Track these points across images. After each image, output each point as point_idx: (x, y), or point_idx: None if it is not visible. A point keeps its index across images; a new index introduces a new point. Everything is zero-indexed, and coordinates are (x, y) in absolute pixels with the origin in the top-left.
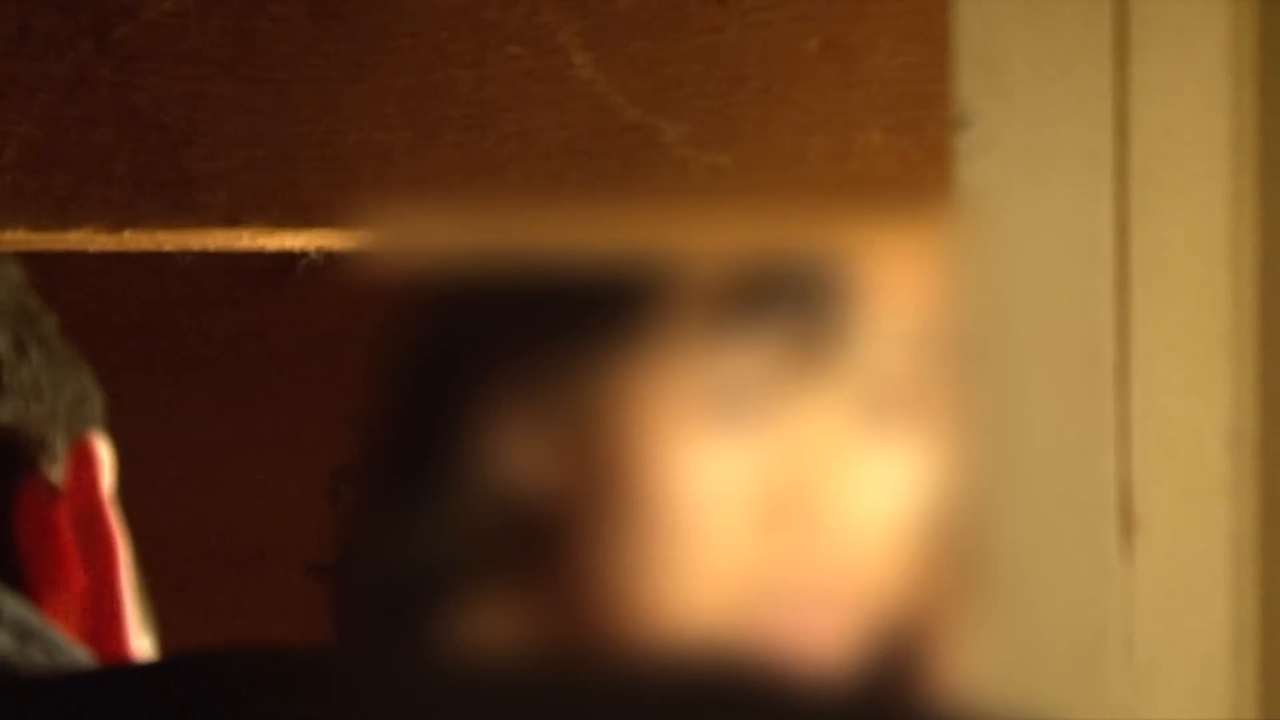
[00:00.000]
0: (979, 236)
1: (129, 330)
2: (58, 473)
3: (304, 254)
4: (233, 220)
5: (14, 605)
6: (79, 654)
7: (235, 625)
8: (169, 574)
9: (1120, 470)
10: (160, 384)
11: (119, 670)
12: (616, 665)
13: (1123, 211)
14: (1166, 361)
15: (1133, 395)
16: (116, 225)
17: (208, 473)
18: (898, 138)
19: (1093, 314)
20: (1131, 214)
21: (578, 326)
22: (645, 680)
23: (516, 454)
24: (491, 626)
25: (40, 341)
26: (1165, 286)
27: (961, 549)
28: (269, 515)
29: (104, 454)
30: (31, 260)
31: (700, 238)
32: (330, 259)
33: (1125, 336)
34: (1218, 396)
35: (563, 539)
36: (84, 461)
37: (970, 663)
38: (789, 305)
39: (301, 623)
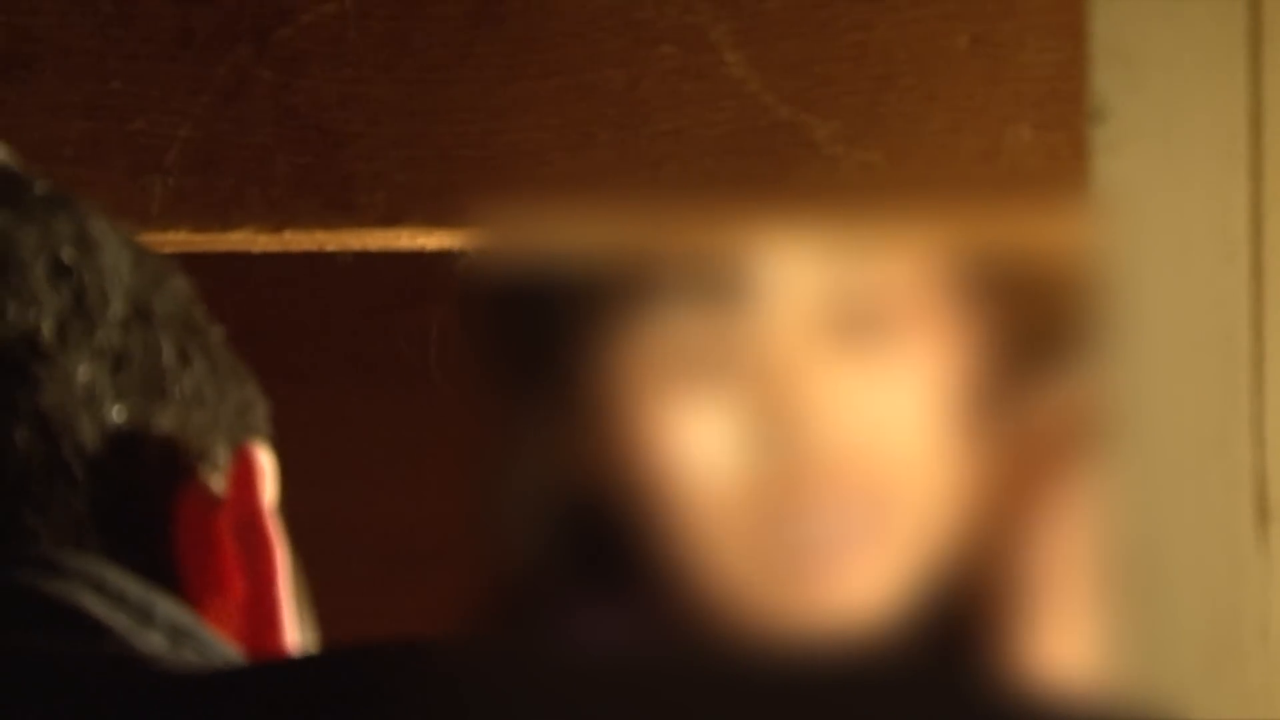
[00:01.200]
0: (1116, 231)
1: (295, 333)
2: (219, 481)
3: (462, 253)
4: (391, 220)
5: (168, 606)
6: (232, 654)
7: (396, 628)
8: (332, 576)
9: (1256, 461)
10: (325, 385)
11: (267, 665)
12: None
13: (1257, 206)
14: None
15: (1267, 388)
16: (277, 226)
17: (374, 473)
18: (1046, 134)
19: (1228, 307)
20: (1266, 209)
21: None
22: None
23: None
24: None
25: (204, 351)
26: None
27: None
28: (434, 514)
29: (266, 463)
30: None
31: (853, 233)
32: (488, 258)
33: (1260, 329)
34: None
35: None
36: (245, 470)
37: (1109, 649)
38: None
39: (461, 625)
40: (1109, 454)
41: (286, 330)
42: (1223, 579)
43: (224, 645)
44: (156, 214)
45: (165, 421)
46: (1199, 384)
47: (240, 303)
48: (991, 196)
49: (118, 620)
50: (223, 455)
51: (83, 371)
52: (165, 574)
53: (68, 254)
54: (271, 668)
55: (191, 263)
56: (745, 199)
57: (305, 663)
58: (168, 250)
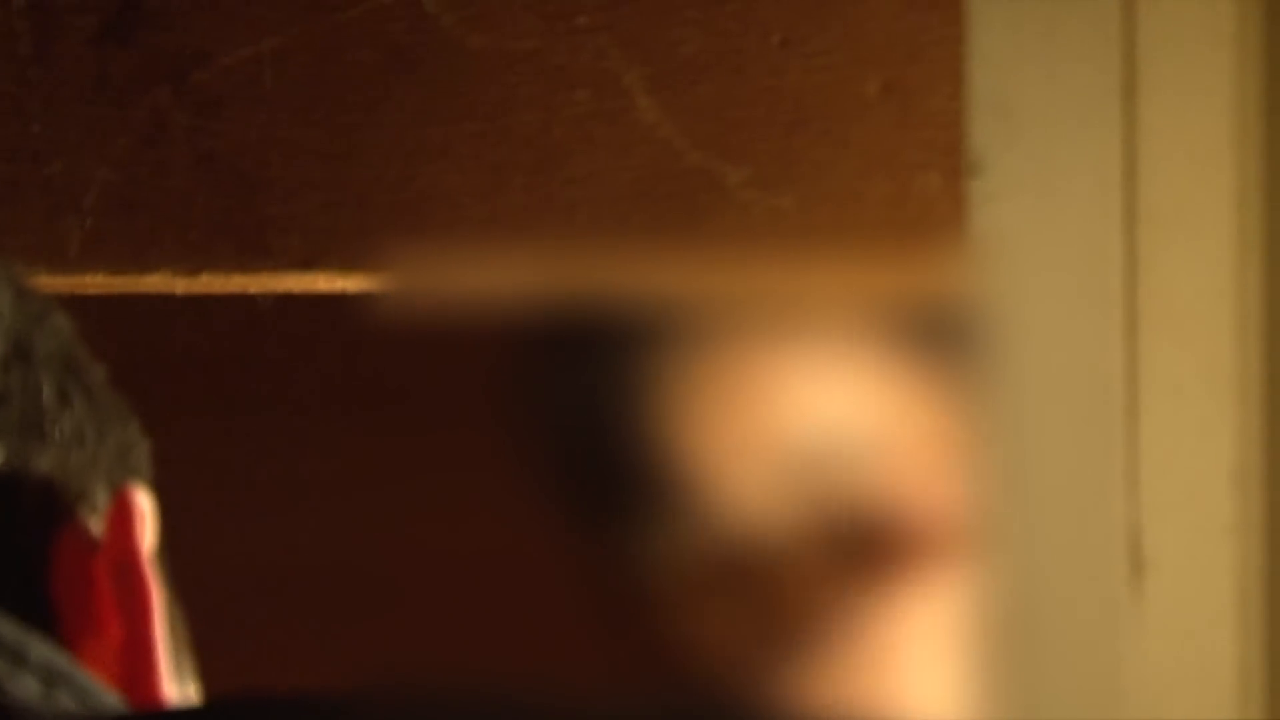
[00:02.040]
0: (992, 281)
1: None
2: (97, 523)
3: (378, 296)
4: (307, 264)
5: (42, 649)
6: (109, 699)
7: (300, 670)
8: (248, 607)
9: (1130, 512)
10: (246, 423)
11: (143, 716)
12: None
13: (1132, 258)
14: (1174, 403)
15: (1141, 438)
16: (194, 269)
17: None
18: (957, 181)
19: (1102, 358)
20: (1140, 258)
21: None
22: None
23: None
24: None
25: (85, 391)
26: (1173, 329)
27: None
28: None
29: (145, 505)
30: (111, 303)
31: (761, 279)
32: (404, 301)
33: (1134, 379)
34: (1223, 437)
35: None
36: (124, 513)
37: (985, 706)
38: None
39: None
40: (981, 502)
41: (207, 370)
42: (1098, 631)
43: (100, 690)
44: (74, 256)
45: (43, 462)
46: (1073, 434)
47: (161, 343)
48: (900, 242)
49: None
50: (102, 497)
51: None
52: (41, 616)
53: None
54: (151, 717)
55: (111, 305)
56: (658, 244)
57: (186, 714)
58: (85, 293)
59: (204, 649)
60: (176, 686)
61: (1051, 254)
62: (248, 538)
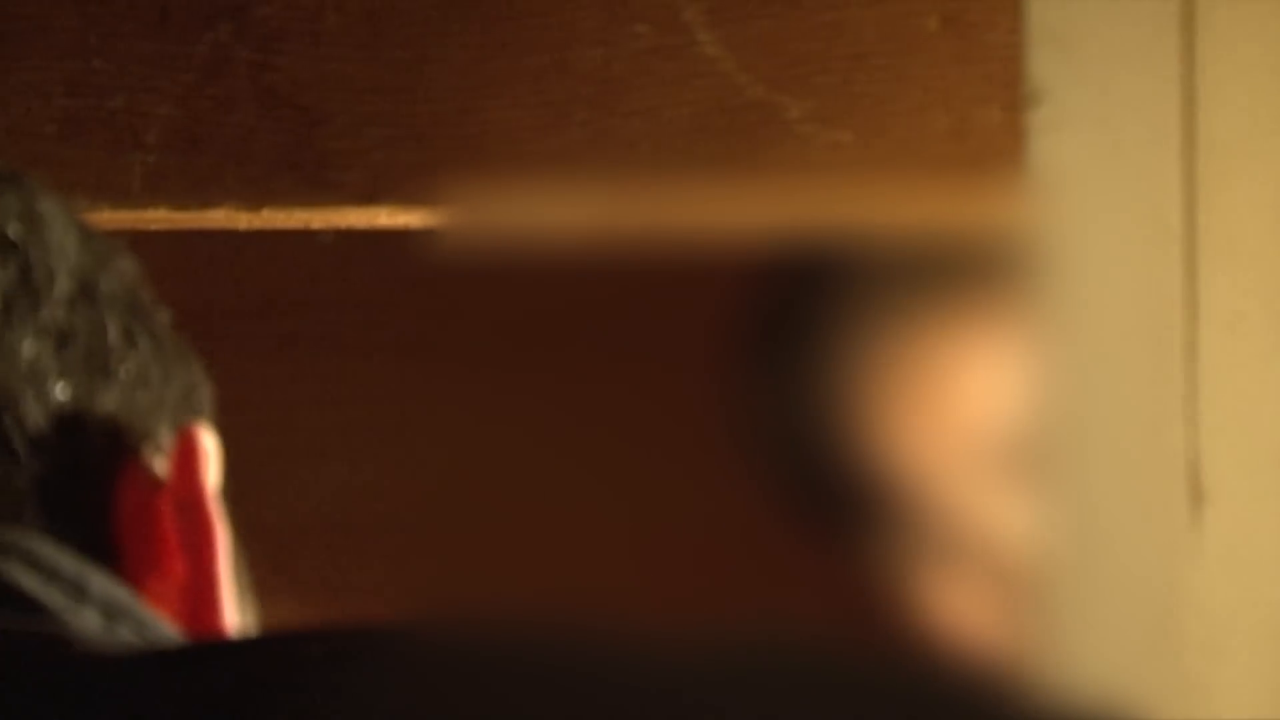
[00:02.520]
0: (1051, 213)
1: (271, 307)
2: (161, 463)
3: (438, 231)
4: (369, 198)
5: (103, 583)
6: (169, 633)
7: (352, 604)
8: (308, 549)
9: (1189, 443)
10: (305, 361)
11: (202, 646)
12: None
13: (1190, 187)
14: (1233, 335)
15: (1200, 370)
16: (255, 204)
17: (351, 447)
18: (1016, 114)
19: (1161, 289)
20: (1199, 189)
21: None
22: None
23: None
24: None
25: (150, 333)
26: (1232, 261)
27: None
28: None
29: (208, 445)
30: (179, 239)
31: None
32: (464, 236)
33: (1193, 311)
34: None
35: None
36: (188, 451)
37: (1045, 633)
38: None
39: (415, 602)
40: (1041, 435)
41: (269, 306)
42: (1158, 563)
43: (161, 624)
44: (136, 192)
45: (109, 401)
46: (1132, 366)
47: (222, 279)
48: (960, 176)
49: (51, 596)
50: (166, 437)
51: (27, 347)
52: (104, 553)
53: (14, 229)
54: (206, 648)
55: (172, 240)
56: (717, 178)
57: (243, 645)
58: (147, 228)
59: (266, 591)
60: (238, 624)
61: (1111, 185)
62: (306, 477)
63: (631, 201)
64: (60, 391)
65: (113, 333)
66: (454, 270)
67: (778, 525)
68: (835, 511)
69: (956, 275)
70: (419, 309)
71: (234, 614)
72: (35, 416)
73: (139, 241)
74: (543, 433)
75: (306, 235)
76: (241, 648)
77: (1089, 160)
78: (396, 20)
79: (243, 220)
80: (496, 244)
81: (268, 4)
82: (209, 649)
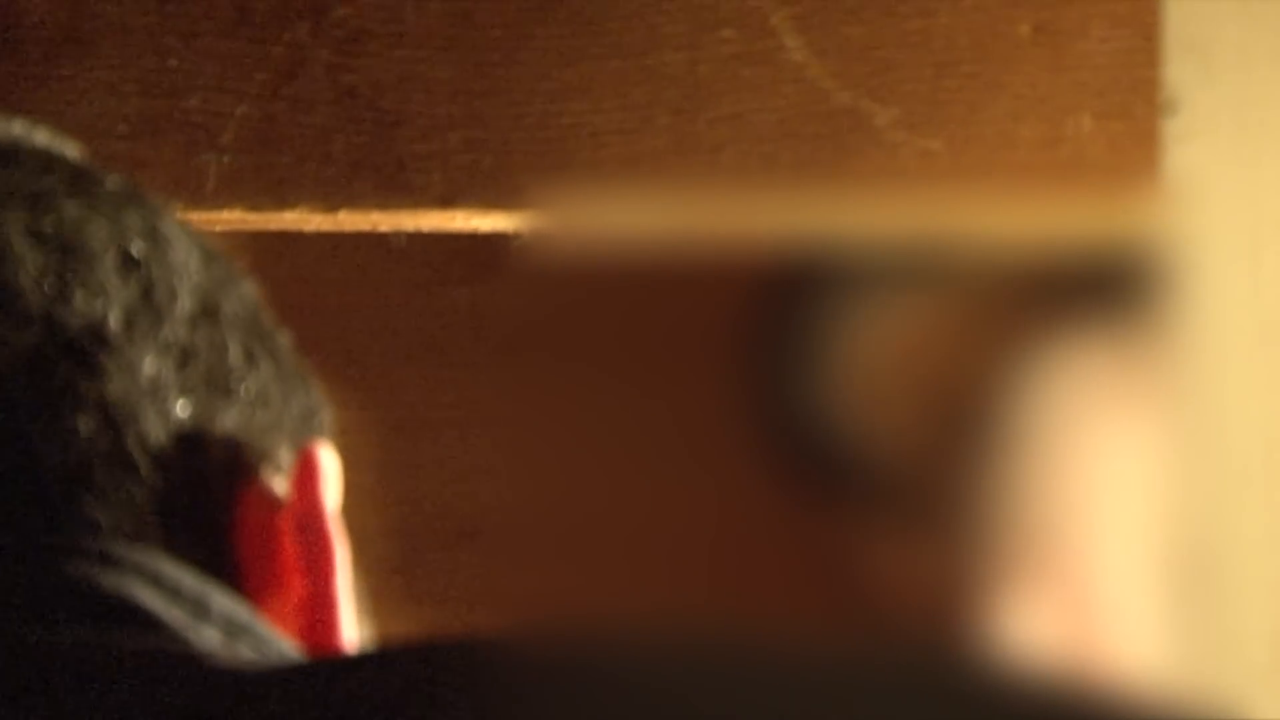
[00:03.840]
0: (1188, 222)
1: (344, 312)
2: (281, 483)
3: (516, 236)
4: (447, 201)
5: (223, 601)
6: (287, 649)
7: (444, 607)
8: (384, 553)
9: None
10: (376, 366)
11: (324, 662)
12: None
13: None
14: None
15: None
16: (332, 206)
17: (423, 453)
18: (1108, 123)
19: None
20: None
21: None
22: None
23: None
24: None
25: (271, 354)
26: None
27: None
28: (483, 494)
29: (329, 464)
30: (250, 241)
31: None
32: (543, 241)
33: None
34: None
35: None
36: (308, 470)
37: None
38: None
39: (509, 604)
40: (1177, 446)
41: (337, 310)
42: None
43: (281, 641)
44: (211, 192)
45: (229, 420)
46: (1269, 374)
47: (291, 281)
48: (1052, 186)
49: (173, 614)
50: (285, 457)
51: (149, 364)
52: (224, 571)
53: (138, 248)
54: (328, 665)
55: (244, 242)
56: (803, 185)
57: (363, 660)
58: (221, 229)
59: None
60: (356, 642)
61: (1246, 194)
62: (370, 481)
63: (715, 208)
64: (181, 409)
65: (234, 352)
66: (533, 274)
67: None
68: (916, 523)
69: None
70: (500, 313)
71: (353, 632)
72: (156, 433)
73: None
74: (628, 438)
75: (379, 238)
76: (368, 662)
77: (1225, 170)
78: (478, 22)
79: (317, 222)
80: (578, 249)
81: (347, 4)
82: (334, 664)
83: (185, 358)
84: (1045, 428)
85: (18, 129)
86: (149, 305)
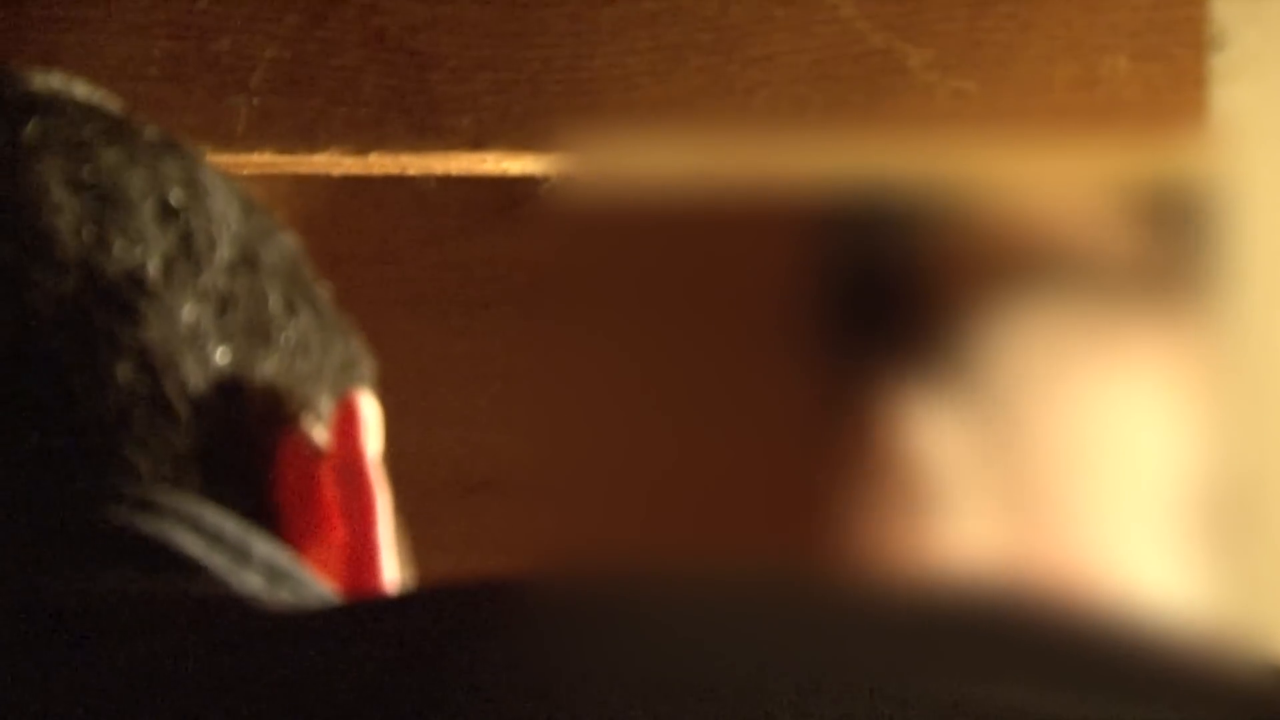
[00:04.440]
0: (1234, 159)
1: (367, 258)
2: (321, 432)
3: (547, 179)
4: (478, 144)
5: (264, 546)
6: (326, 593)
7: (464, 555)
8: (402, 503)
9: None
10: (395, 313)
11: (364, 603)
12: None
13: None
14: None
15: None
16: (363, 148)
17: (436, 403)
18: (1145, 64)
19: None
20: None
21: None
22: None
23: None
24: None
25: (310, 304)
26: None
27: (1204, 471)
28: (498, 446)
29: (370, 413)
30: (277, 183)
31: (945, 163)
32: (573, 184)
33: None
34: None
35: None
36: (348, 418)
37: (1208, 584)
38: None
39: (527, 554)
40: (1215, 387)
41: (363, 254)
42: None
43: (319, 585)
44: (241, 135)
45: (269, 368)
46: None
47: (319, 225)
48: (1088, 126)
49: (214, 560)
50: (326, 406)
51: (188, 311)
52: (265, 518)
53: (176, 196)
54: (369, 606)
55: (271, 184)
56: (838, 126)
57: (403, 601)
58: (251, 171)
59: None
60: (396, 586)
61: None
62: (420, 427)
63: (748, 149)
64: (220, 356)
65: (273, 301)
66: (567, 218)
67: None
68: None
69: (1115, 230)
70: (528, 258)
71: (395, 579)
72: (196, 380)
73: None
74: (653, 386)
75: (408, 181)
76: (409, 603)
77: (1273, 107)
78: None
79: (349, 165)
80: (610, 192)
81: None
82: (375, 605)
83: (224, 306)
84: (1060, 357)
85: (56, 81)
86: (188, 253)
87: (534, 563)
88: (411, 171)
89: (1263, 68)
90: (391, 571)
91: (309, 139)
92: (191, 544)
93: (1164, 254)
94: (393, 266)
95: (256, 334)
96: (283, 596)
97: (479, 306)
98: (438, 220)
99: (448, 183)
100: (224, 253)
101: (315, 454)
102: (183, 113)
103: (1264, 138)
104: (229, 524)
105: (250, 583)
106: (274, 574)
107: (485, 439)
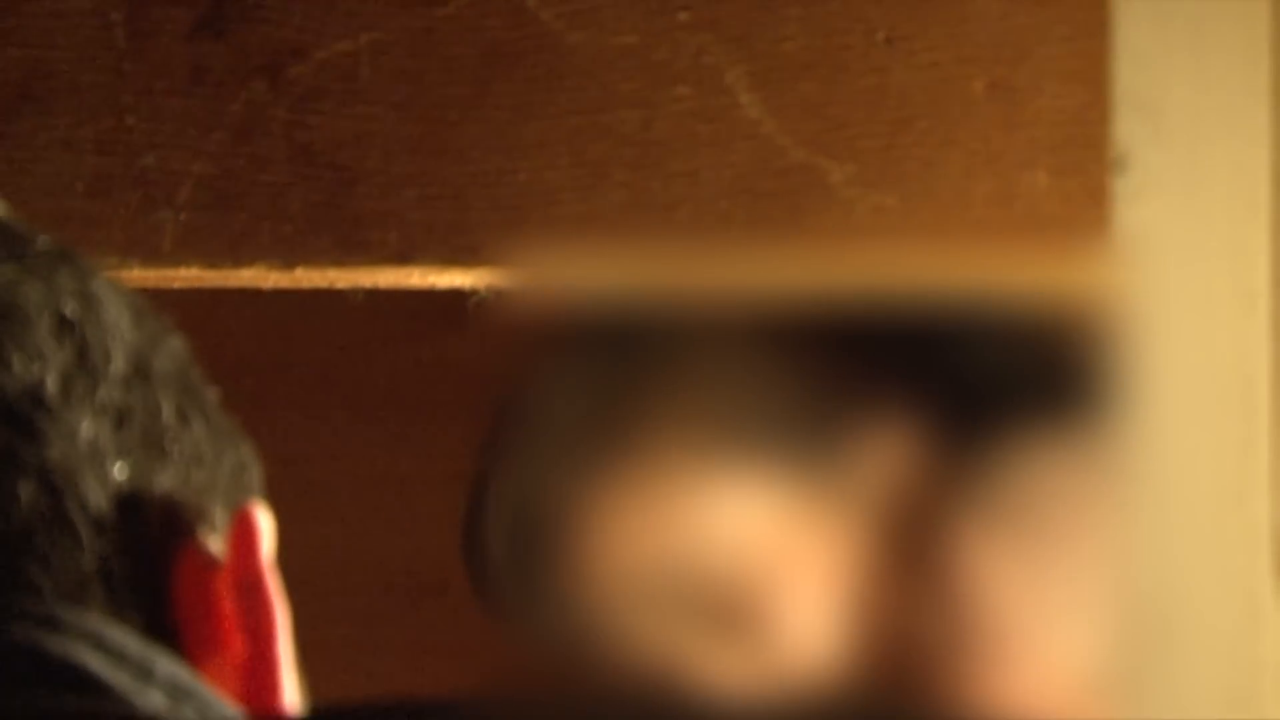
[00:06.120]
0: (1137, 280)
1: (305, 368)
2: (216, 542)
3: (473, 292)
4: (404, 258)
5: (166, 665)
6: (231, 713)
7: (417, 660)
8: (349, 608)
9: (1274, 512)
10: (338, 421)
11: None
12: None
13: (1279, 258)
14: None
15: None
16: (289, 263)
17: (387, 508)
18: (1062, 179)
19: (1248, 358)
20: None
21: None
22: None
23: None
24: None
25: (202, 412)
26: None
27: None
28: (449, 549)
29: (264, 523)
30: (207, 297)
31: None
32: (499, 297)
33: (1279, 379)
34: None
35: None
36: (245, 530)
37: (1124, 704)
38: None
39: (484, 658)
40: (1124, 505)
41: (295, 366)
42: (1240, 632)
43: (224, 704)
44: (168, 250)
45: (165, 481)
46: (1218, 434)
47: (249, 339)
48: (1006, 242)
49: (118, 678)
50: (220, 516)
51: (86, 427)
52: (165, 633)
53: (71, 309)
54: None
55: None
56: (760, 241)
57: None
58: (178, 286)
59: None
60: (296, 703)
61: (1197, 252)
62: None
63: (672, 263)
64: (119, 472)
65: (167, 412)
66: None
67: None
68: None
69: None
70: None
71: (294, 694)
72: (96, 497)
73: (166, 299)
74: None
75: (336, 295)
76: None
77: (1175, 228)
78: (433, 80)
79: (275, 279)
80: (534, 305)
81: (302, 62)
82: None
83: (121, 419)
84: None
85: None
86: (84, 368)
87: (482, 670)
88: (340, 285)
89: (1164, 188)
90: (290, 685)
91: (235, 254)
92: (95, 662)
93: (1072, 373)
94: (326, 375)
95: (152, 447)
96: (185, 715)
97: (415, 414)
98: (378, 328)
99: (376, 295)
100: (118, 365)
101: (213, 566)
102: (110, 228)
103: (1165, 256)
104: (131, 642)
105: (153, 701)
106: (177, 692)
107: (432, 544)
